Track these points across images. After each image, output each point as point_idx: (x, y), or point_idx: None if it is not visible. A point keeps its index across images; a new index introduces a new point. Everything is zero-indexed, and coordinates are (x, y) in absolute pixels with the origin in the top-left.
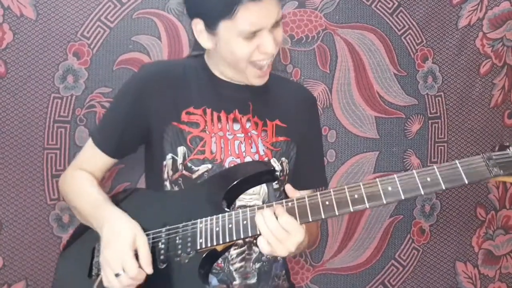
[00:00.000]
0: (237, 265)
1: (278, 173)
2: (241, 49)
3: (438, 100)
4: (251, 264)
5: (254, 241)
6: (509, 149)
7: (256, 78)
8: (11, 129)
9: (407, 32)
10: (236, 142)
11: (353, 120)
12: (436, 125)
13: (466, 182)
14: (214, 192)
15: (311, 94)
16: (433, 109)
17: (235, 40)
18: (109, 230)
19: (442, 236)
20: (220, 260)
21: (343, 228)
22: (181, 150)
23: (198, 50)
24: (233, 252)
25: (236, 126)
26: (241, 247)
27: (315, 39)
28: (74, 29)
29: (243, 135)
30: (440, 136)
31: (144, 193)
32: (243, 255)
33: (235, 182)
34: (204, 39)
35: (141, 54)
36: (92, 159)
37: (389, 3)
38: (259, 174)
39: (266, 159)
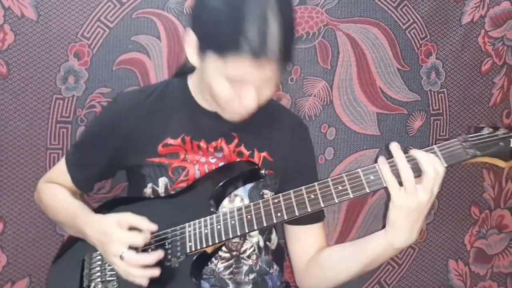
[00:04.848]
0: (227, 276)
1: (263, 172)
2: (221, 90)
3: (441, 96)
4: (243, 276)
5: (241, 254)
6: (484, 130)
7: (232, 117)
8: (15, 129)
9: (412, 26)
10: (221, 163)
11: (354, 117)
12: (438, 122)
13: (445, 165)
14: (201, 195)
15: (304, 124)
16: (435, 106)
17: (217, 78)
18: (94, 232)
19: (438, 235)
20: (208, 270)
21: (339, 227)
22: (162, 181)
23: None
24: (220, 265)
25: (219, 154)
26: (227, 260)
27: (316, 35)
28: (75, 29)
29: (226, 160)
30: (441, 133)
31: (130, 201)
32: (231, 269)
33: (220, 184)
34: (191, 52)
35: (140, 54)
36: (64, 181)
37: None
38: (244, 174)
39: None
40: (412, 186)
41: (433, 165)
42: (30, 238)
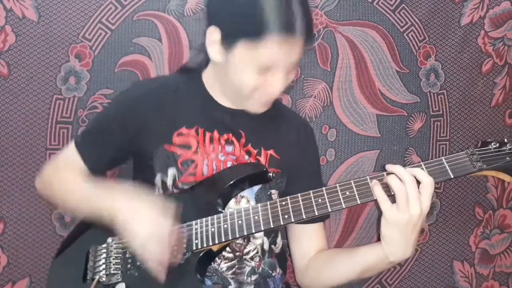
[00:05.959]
0: (230, 276)
1: (270, 175)
2: (249, 79)
3: (441, 98)
4: (245, 277)
5: (244, 255)
6: (491, 145)
7: (258, 107)
8: (14, 129)
9: (410, 29)
10: (229, 163)
11: (354, 118)
12: (438, 123)
13: (452, 176)
14: (209, 194)
15: (309, 125)
16: (435, 107)
17: (246, 67)
18: (128, 225)
19: (441, 236)
20: (211, 269)
21: (340, 227)
22: (171, 171)
23: (195, 60)
24: (223, 265)
25: (229, 148)
26: (231, 260)
27: (316, 37)
28: (76, 31)
29: (235, 157)
30: (442, 135)
31: None
32: (234, 269)
33: (228, 184)
34: (215, 50)
35: (142, 56)
36: (72, 168)
37: (391, 0)
38: (252, 176)
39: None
40: (405, 202)
41: (409, 175)
42: (30, 238)
